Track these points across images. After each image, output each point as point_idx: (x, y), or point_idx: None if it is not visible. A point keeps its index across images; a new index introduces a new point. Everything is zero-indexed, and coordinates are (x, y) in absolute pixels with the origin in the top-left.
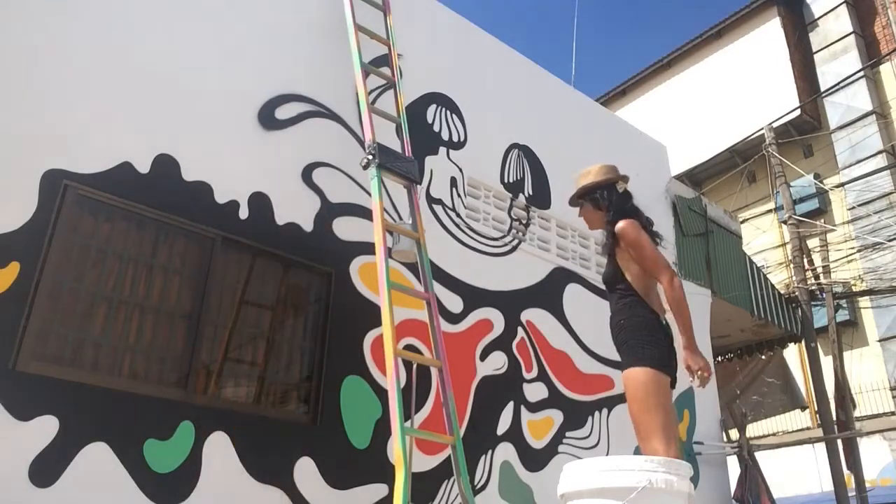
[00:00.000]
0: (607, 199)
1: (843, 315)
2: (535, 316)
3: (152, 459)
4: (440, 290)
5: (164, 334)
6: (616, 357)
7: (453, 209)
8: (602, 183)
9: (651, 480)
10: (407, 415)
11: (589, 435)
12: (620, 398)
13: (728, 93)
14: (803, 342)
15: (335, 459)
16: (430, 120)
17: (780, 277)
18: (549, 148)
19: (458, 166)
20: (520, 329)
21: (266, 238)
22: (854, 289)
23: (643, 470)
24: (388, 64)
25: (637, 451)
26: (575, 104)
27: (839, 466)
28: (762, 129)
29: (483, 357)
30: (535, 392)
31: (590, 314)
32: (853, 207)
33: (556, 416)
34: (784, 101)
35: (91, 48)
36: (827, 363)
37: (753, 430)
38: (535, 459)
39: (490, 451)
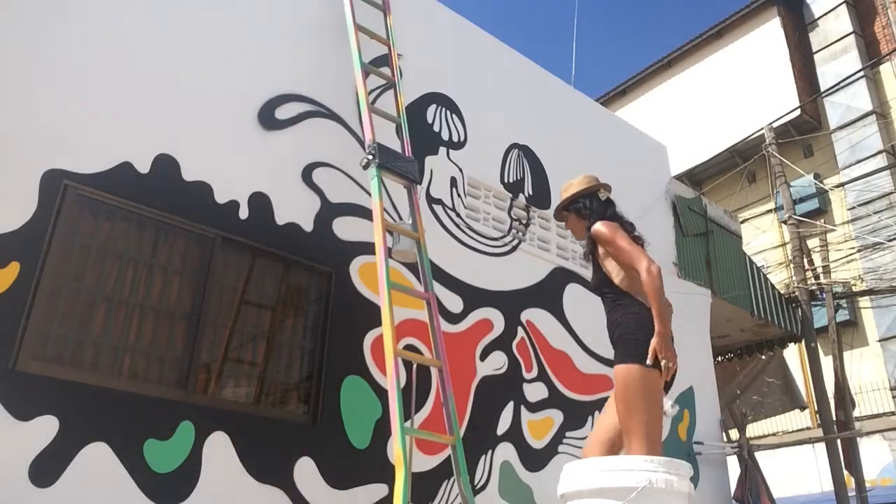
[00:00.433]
0: (589, 208)
1: (843, 315)
2: (535, 316)
3: (152, 459)
4: (440, 290)
5: (164, 334)
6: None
7: (453, 209)
8: (584, 192)
9: (651, 480)
10: (407, 415)
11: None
12: None
13: (728, 93)
14: (803, 342)
15: (335, 459)
16: (430, 120)
17: (780, 277)
18: (549, 148)
19: (458, 166)
20: (520, 329)
21: (266, 238)
22: (854, 289)
23: (643, 470)
24: (388, 64)
25: None
26: (575, 104)
27: (839, 466)
28: (762, 129)
29: (483, 357)
30: (535, 392)
31: (590, 314)
32: (853, 207)
33: (556, 416)
34: (784, 101)
35: (91, 48)
36: (827, 363)
37: (753, 430)
38: (535, 459)
39: (490, 451)
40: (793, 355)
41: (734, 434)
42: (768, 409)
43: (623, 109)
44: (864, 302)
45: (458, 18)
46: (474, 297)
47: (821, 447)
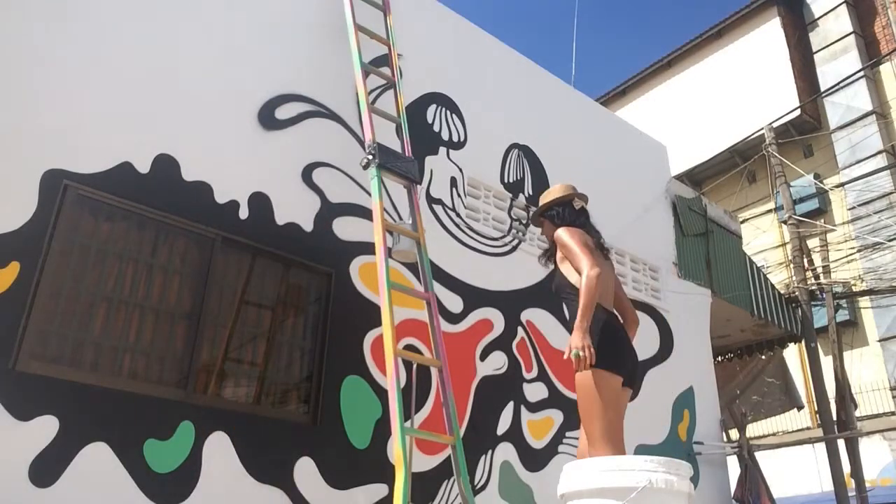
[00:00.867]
0: (561, 216)
1: (843, 315)
2: (535, 316)
3: (152, 459)
4: (440, 290)
5: (164, 334)
6: None
7: (453, 209)
8: (559, 200)
9: (651, 480)
10: (407, 415)
11: None
12: None
13: (728, 93)
14: (803, 342)
15: (335, 459)
16: (430, 120)
17: (780, 277)
18: (549, 148)
19: (458, 166)
20: (520, 329)
21: (266, 238)
22: (854, 289)
23: (643, 470)
24: (388, 64)
25: (636, 451)
26: (575, 104)
27: (839, 466)
28: (762, 129)
29: (483, 357)
30: (535, 392)
31: None
32: (853, 207)
33: (556, 416)
34: (784, 101)
35: (91, 48)
36: (827, 363)
37: (753, 430)
38: (535, 459)
39: (490, 451)
40: (793, 355)
41: (734, 434)
42: (768, 409)
43: (623, 109)
44: (864, 302)
45: (458, 18)
46: (474, 297)
47: (821, 447)
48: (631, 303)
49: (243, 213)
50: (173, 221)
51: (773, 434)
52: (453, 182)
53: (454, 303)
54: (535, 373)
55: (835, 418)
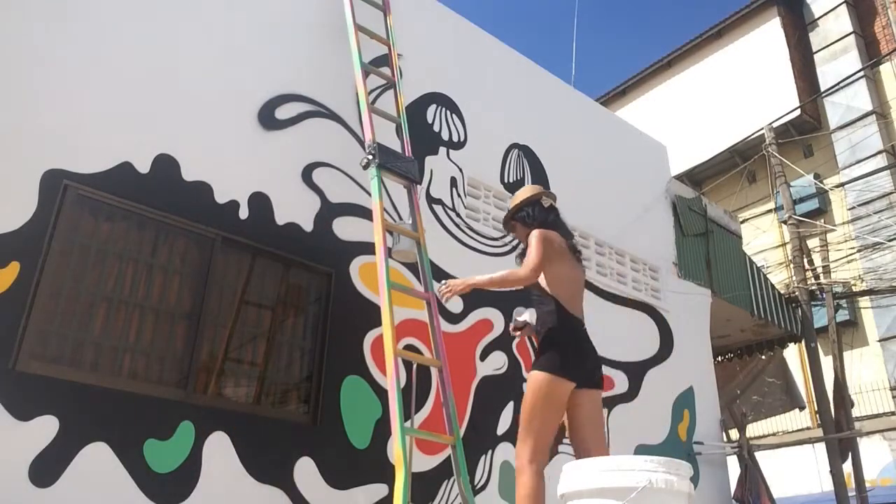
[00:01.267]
0: (532, 216)
1: (843, 315)
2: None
3: (152, 459)
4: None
5: (164, 334)
6: (616, 357)
7: (453, 209)
8: (528, 201)
9: (651, 480)
10: (407, 415)
11: None
12: (621, 398)
13: (728, 93)
14: (803, 342)
15: (335, 459)
16: (430, 120)
17: (780, 277)
18: (549, 148)
19: (458, 166)
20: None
21: (266, 238)
22: (854, 289)
23: (643, 470)
24: (388, 64)
25: (636, 451)
26: (575, 104)
27: (839, 466)
28: (762, 129)
29: (483, 357)
30: None
31: (589, 314)
32: (853, 207)
33: None
34: (784, 101)
35: (91, 48)
36: (827, 363)
37: (753, 430)
38: None
39: (490, 451)
40: (793, 355)
41: (734, 434)
42: (769, 409)
43: (623, 109)
44: (864, 302)
45: (458, 18)
46: (474, 296)
47: (821, 447)
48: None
49: (243, 213)
50: (173, 221)
51: (773, 434)
52: (453, 182)
53: (454, 303)
54: None
55: (835, 418)
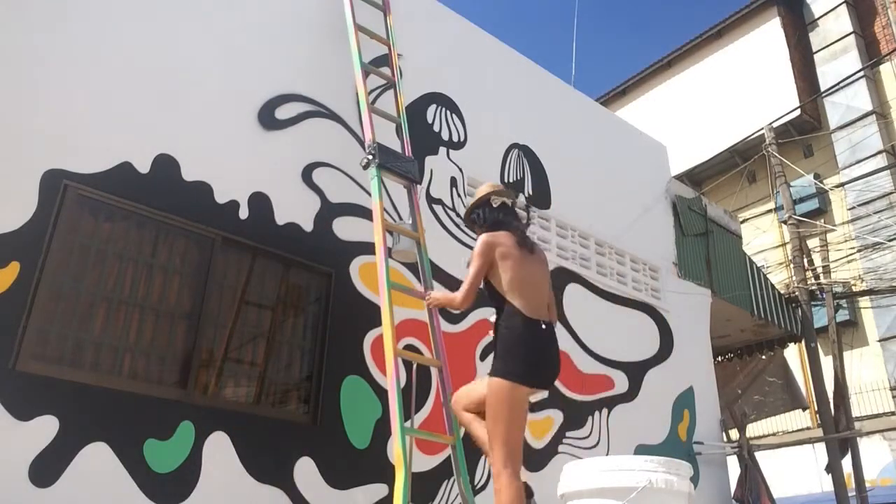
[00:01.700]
0: (482, 217)
1: (843, 315)
2: None
3: (152, 459)
4: (440, 291)
5: (164, 334)
6: (616, 357)
7: (453, 209)
8: (478, 202)
9: (651, 480)
10: (407, 415)
11: (589, 435)
12: (621, 398)
13: (728, 93)
14: (803, 342)
15: (335, 459)
16: (430, 120)
17: (780, 277)
18: (549, 148)
19: (458, 166)
20: None
21: (266, 238)
22: (854, 289)
23: (643, 470)
24: (388, 64)
25: (636, 451)
26: (575, 104)
27: (839, 466)
28: (762, 129)
29: (483, 357)
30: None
31: (590, 314)
32: (853, 207)
33: (556, 416)
34: (784, 101)
35: (91, 48)
36: (827, 363)
37: (753, 430)
38: (535, 459)
39: None
40: (793, 355)
41: (734, 434)
42: (771, 409)
43: (623, 109)
44: (864, 302)
45: (458, 18)
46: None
47: (821, 447)
48: (554, 302)
49: (243, 213)
50: (173, 221)
51: (773, 434)
52: (453, 182)
53: None
54: None
55: (834, 418)
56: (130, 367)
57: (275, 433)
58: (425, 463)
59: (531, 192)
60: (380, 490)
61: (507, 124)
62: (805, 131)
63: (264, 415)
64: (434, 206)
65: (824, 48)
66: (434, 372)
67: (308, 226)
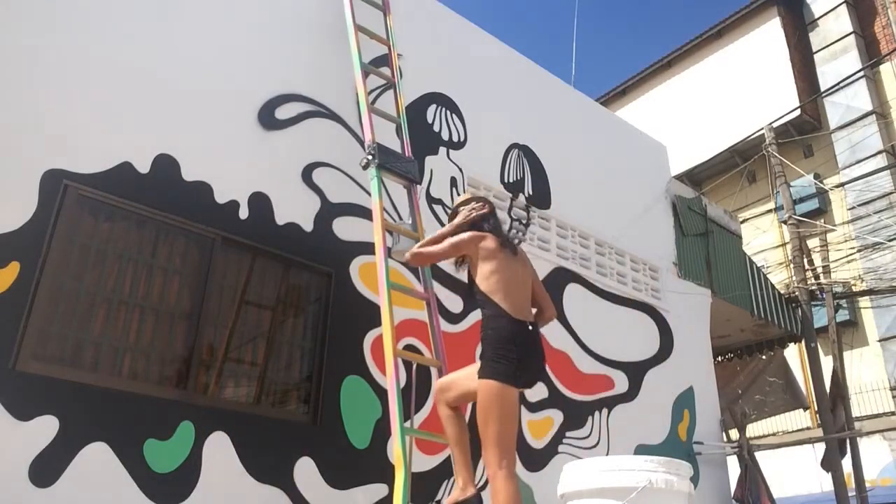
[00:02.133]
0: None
1: (843, 315)
2: None
3: (152, 459)
4: (440, 290)
5: (164, 334)
6: (616, 357)
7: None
8: (462, 203)
9: (651, 480)
10: (407, 415)
11: (589, 435)
12: (621, 398)
13: (728, 93)
14: (803, 342)
15: (335, 459)
16: (430, 120)
17: (780, 277)
18: (549, 148)
19: (458, 166)
20: None
21: (266, 238)
22: (854, 289)
23: (643, 470)
24: (388, 64)
25: (636, 451)
26: (575, 104)
27: (839, 466)
28: (762, 129)
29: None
30: (535, 392)
31: (590, 314)
32: (853, 207)
33: (556, 416)
34: (784, 101)
35: (91, 48)
36: (827, 363)
37: (753, 430)
38: (535, 459)
39: None
40: (793, 355)
41: (734, 434)
42: (771, 409)
43: (623, 109)
44: (864, 302)
45: (458, 18)
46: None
47: (821, 447)
48: (549, 298)
49: (243, 213)
50: (173, 221)
51: (773, 434)
52: (453, 182)
53: (454, 303)
54: None
55: (833, 419)
56: (130, 367)
57: (275, 433)
58: (425, 463)
59: (531, 192)
60: (380, 490)
61: (507, 124)
62: (805, 131)
63: (264, 415)
64: (434, 206)
65: (824, 48)
66: (434, 372)
67: (308, 226)
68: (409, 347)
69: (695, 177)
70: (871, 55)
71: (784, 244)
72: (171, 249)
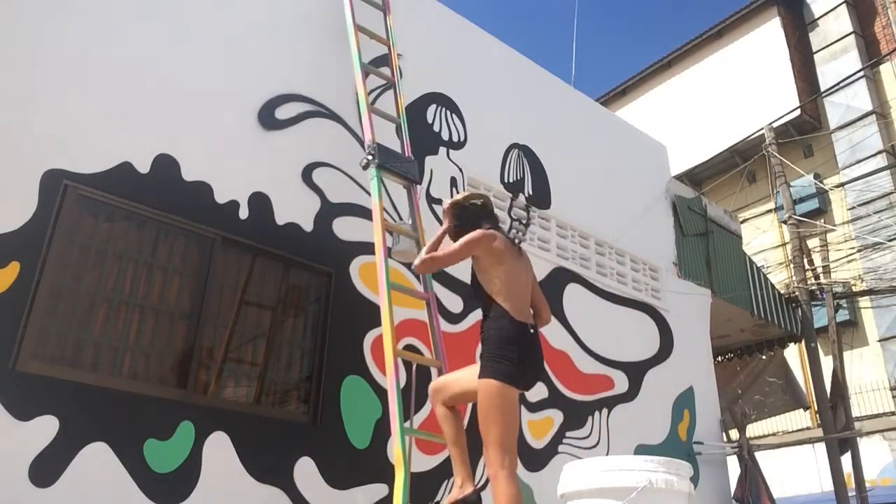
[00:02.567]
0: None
1: (843, 315)
2: None
3: (152, 459)
4: (440, 290)
5: (164, 334)
6: (616, 357)
7: None
8: (463, 200)
9: (651, 480)
10: (407, 415)
11: (589, 435)
12: (621, 398)
13: (728, 93)
14: (803, 342)
15: (335, 459)
16: (430, 120)
17: (780, 277)
18: (549, 148)
19: (458, 166)
20: None
21: (266, 238)
22: (854, 289)
23: (643, 470)
24: (388, 64)
25: (636, 451)
26: (575, 104)
27: (839, 466)
28: (762, 129)
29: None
30: (535, 392)
31: (590, 314)
32: (853, 207)
33: (556, 416)
34: (784, 101)
35: (91, 48)
36: (827, 363)
37: (753, 430)
38: (535, 459)
39: None
40: (793, 355)
41: (734, 434)
42: (772, 409)
43: (623, 109)
44: (864, 302)
45: (458, 18)
46: (474, 296)
47: (821, 447)
48: (545, 302)
49: (243, 213)
50: (173, 221)
51: (773, 434)
52: (453, 182)
53: (454, 303)
54: None
55: (834, 419)
56: (130, 367)
57: (275, 433)
58: (425, 463)
59: (531, 192)
60: (380, 490)
61: (507, 124)
62: (805, 131)
63: (264, 415)
64: (434, 206)
65: (824, 48)
66: (434, 372)
67: (308, 226)
68: (409, 347)
69: (695, 177)
70: (871, 55)
71: (784, 244)
72: (171, 249)
